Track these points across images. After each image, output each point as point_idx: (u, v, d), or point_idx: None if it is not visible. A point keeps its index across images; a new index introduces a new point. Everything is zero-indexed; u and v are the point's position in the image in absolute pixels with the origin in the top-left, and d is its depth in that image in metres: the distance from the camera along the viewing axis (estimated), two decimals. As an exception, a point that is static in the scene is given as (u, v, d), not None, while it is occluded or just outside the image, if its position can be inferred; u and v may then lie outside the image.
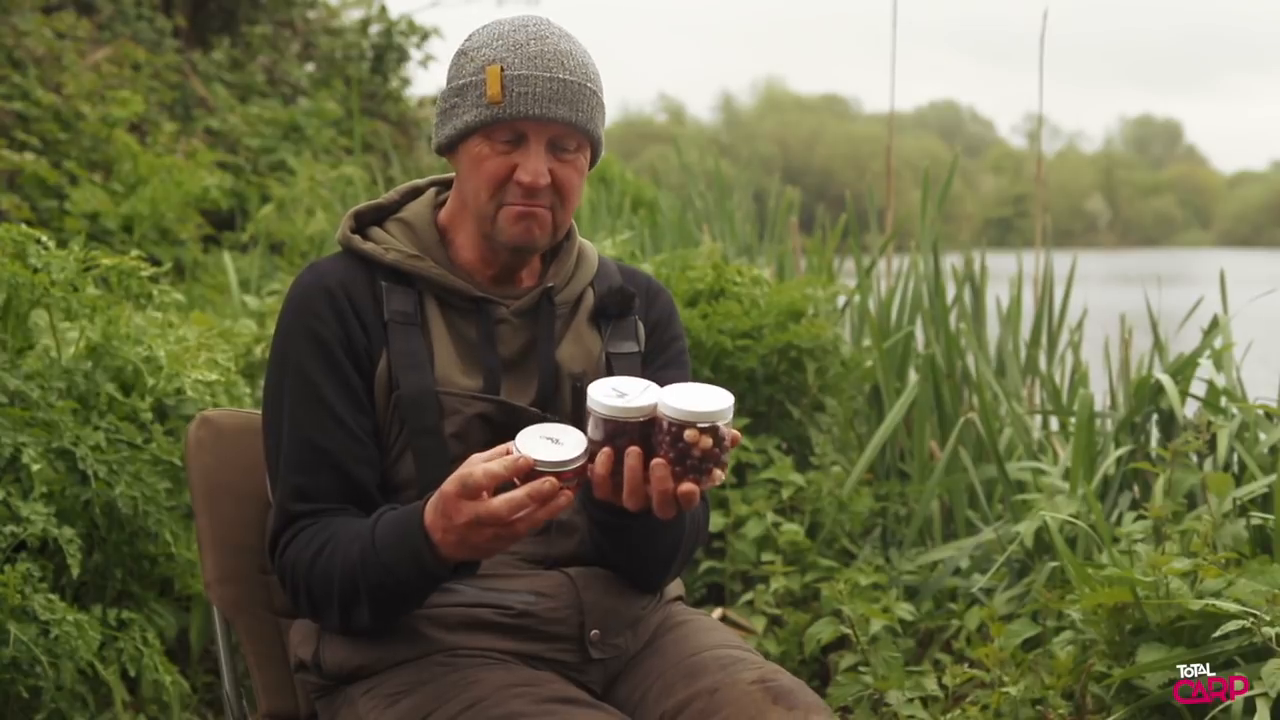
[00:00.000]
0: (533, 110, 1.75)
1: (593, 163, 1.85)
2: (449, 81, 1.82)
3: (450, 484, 1.58)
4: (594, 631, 1.80)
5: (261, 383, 3.62)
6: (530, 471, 1.55)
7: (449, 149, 1.83)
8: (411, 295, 1.83)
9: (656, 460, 1.58)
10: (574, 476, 1.58)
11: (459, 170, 1.83)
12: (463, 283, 1.83)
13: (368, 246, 1.84)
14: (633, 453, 1.58)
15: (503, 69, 1.75)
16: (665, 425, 1.56)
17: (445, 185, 1.94)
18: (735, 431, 1.60)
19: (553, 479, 1.55)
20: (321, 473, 1.75)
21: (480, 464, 1.57)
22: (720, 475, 1.59)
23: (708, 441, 1.56)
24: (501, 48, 1.77)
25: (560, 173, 1.78)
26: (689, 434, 1.55)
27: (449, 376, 1.80)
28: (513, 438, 1.76)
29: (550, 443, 1.58)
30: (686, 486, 1.57)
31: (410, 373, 1.78)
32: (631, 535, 1.78)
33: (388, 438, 1.79)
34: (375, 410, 1.79)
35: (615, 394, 1.59)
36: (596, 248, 2.14)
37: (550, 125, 1.76)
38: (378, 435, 1.79)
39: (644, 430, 1.58)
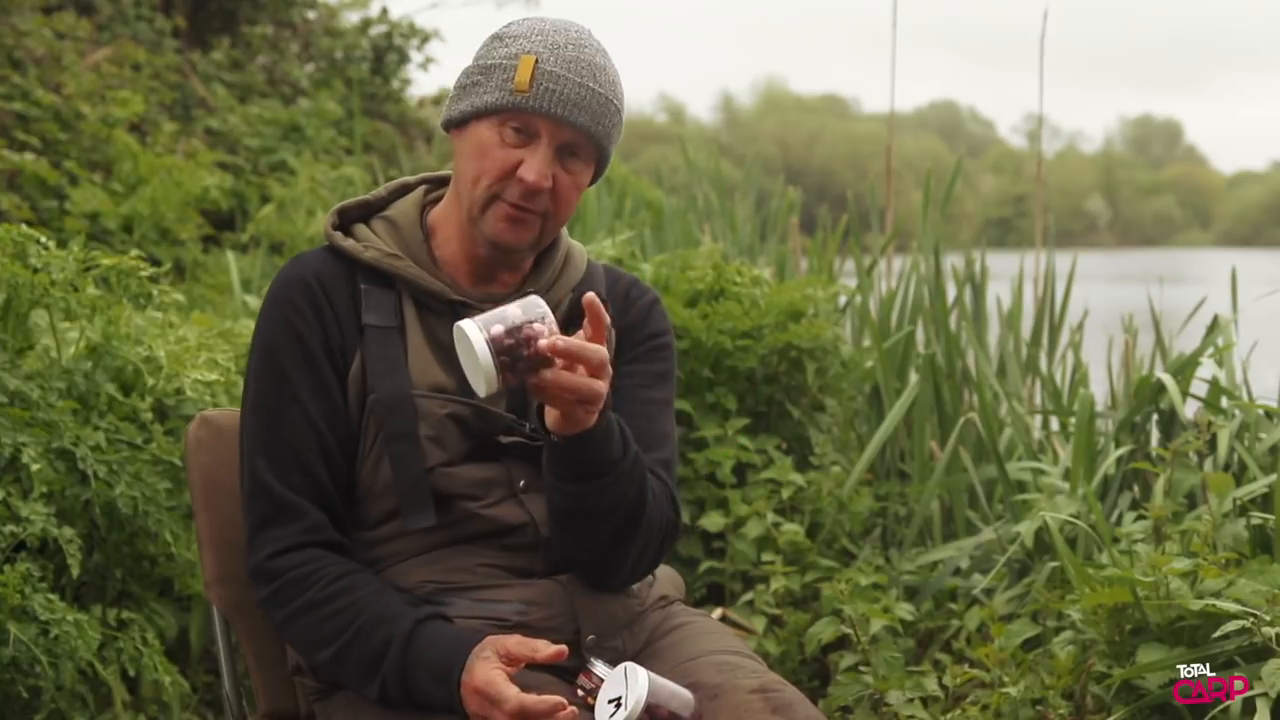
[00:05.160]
0: (556, 109, 1.73)
1: (593, 181, 1.84)
2: (476, 60, 1.80)
3: (488, 683, 1.63)
4: (590, 636, 1.79)
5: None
6: None
7: (459, 124, 1.80)
8: (390, 296, 1.81)
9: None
10: None
11: (460, 150, 1.80)
12: (440, 285, 1.81)
13: (347, 244, 1.82)
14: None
15: (537, 61, 1.74)
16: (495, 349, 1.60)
17: (436, 183, 1.92)
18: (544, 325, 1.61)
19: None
20: (291, 471, 1.75)
21: (522, 697, 1.61)
22: (541, 345, 1.59)
23: (512, 341, 1.59)
24: (540, 43, 1.75)
25: (561, 181, 1.77)
26: (507, 343, 1.58)
27: (423, 380, 1.78)
28: (488, 443, 1.77)
29: (612, 706, 1.63)
30: (531, 381, 1.60)
31: (385, 377, 1.77)
32: (577, 517, 1.74)
33: (363, 443, 1.78)
34: (349, 411, 1.78)
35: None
36: (596, 249, 2.13)
37: (567, 129, 1.75)
38: (352, 439, 1.78)
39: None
